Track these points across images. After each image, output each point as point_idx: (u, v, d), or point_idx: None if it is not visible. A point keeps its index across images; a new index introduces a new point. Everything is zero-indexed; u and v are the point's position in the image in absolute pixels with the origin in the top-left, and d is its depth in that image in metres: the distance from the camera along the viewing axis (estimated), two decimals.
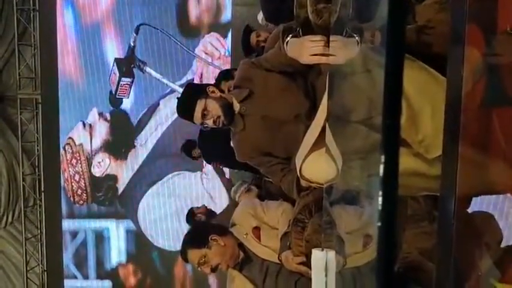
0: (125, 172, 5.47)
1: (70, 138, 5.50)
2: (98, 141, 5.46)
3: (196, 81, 5.18)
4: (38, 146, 5.55)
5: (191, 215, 3.52)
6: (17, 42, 5.36)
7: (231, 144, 2.11)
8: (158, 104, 5.36)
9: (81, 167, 5.46)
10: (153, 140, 5.40)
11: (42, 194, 5.60)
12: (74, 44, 5.46)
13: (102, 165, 5.45)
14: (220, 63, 5.19)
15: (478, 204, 1.58)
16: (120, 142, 5.47)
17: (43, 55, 5.40)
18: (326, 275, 1.38)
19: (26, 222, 5.63)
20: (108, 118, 5.45)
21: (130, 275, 5.67)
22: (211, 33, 5.20)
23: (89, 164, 5.46)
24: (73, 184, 5.52)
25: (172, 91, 5.28)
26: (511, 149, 1.45)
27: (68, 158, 5.49)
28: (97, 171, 5.47)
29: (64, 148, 5.49)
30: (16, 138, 5.55)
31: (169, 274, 5.56)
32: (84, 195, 5.55)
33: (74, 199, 5.55)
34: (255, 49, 3.34)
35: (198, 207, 3.65)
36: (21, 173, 5.55)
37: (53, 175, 5.56)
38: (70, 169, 5.49)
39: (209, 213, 3.49)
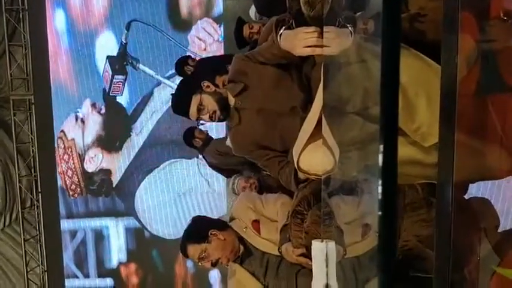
0: (119, 163, 5.45)
1: (62, 131, 5.46)
2: (90, 137, 5.43)
3: None
4: (33, 146, 5.52)
5: (190, 135, 3.47)
6: (7, 43, 5.31)
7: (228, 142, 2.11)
8: (152, 93, 5.33)
9: (73, 163, 5.45)
10: (148, 129, 5.39)
11: (39, 194, 5.58)
12: (65, 42, 5.42)
13: (95, 160, 5.43)
14: (214, 49, 5.16)
15: (475, 190, 1.59)
16: (114, 134, 5.44)
17: (34, 55, 5.35)
18: (327, 266, 1.39)
19: (24, 224, 5.61)
20: (102, 110, 5.41)
21: (132, 272, 5.68)
22: (204, 18, 5.16)
23: (81, 160, 5.44)
24: (66, 179, 5.51)
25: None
26: (507, 135, 1.45)
27: (60, 153, 5.47)
28: (90, 167, 5.45)
29: (56, 141, 5.47)
30: (10, 140, 5.52)
31: (171, 270, 5.58)
32: (79, 189, 5.55)
33: (68, 192, 5.56)
34: (248, 41, 3.32)
35: (200, 131, 3.58)
36: (17, 175, 5.53)
37: (49, 175, 5.54)
38: (63, 164, 5.47)
39: (208, 139, 3.41)
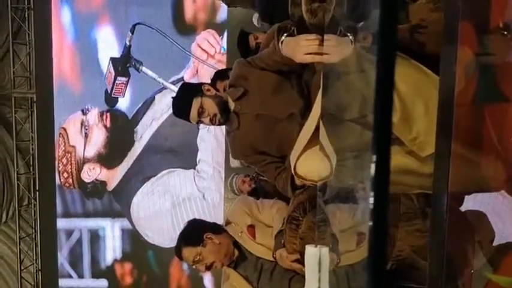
0: (117, 174, 5.46)
1: (64, 129, 5.45)
2: (91, 151, 5.43)
3: (192, 80, 5.17)
4: (32, 145, 5.52)
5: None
6: (12, 41, 5.33)
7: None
8: (153, 99, 5.34)
9: (70, 168, 5.47)
10: (147, 136, 5.39)
11: (37, 193, 5.58)
12: (69, 42, 5.44)
13: (93, 172, 5.46)
14: (216, 60, 5.18)
15: (470, 201, 1.59)
16: (116, 152, 5.44)
17: (38, 54, 5.37)
18: (320, 271, 1.39)
19: (21, 222, 5.60)
20: (108, 123, 5.40)
21: (126, 274, 5.66)
22: (208, 30, 5.18)
23: (79, 170, 5.46)
24: (62, 179, 5.54)
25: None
26: (503, 146, 1.46)
27: (59, 153, 5.47)
28: (86, 177, 5.47)
29: (57, 139, 5.47)
30: (11, 137, 5.53)
31: (165, 273, 5.56)
32: (73, 188, 5.57)
33: (62, 189, 5.59)
34: (254, 52, 3.24)
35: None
36: (15, 172, 5.53)
37: (47, 174, 5.54)
38: (60, 166, 5.48)
39: None
